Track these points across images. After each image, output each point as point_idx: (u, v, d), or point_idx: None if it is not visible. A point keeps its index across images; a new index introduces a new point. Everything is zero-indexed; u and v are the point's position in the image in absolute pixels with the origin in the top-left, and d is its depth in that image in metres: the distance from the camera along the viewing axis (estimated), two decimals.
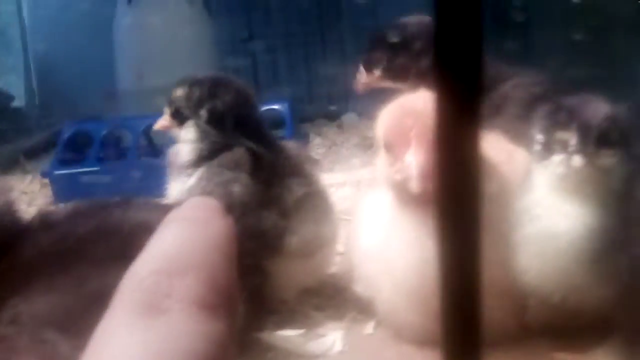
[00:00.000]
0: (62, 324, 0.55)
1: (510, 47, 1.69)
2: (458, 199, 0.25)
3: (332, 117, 2.18)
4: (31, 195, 1.71)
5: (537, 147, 0.74)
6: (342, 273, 0.95)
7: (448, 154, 0.25)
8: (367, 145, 1.59)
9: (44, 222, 0.67)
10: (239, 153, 0.87)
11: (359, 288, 0.88)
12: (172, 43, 2.04)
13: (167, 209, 0.85)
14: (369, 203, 0.93)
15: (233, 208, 0.82)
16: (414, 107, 0.74)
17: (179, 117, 0.93)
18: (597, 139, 0.70)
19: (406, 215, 0.83)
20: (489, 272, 0.67)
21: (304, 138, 1.77)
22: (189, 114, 0.92)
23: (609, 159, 0.71)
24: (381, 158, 0.80)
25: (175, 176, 0.92)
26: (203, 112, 0.91)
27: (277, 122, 1.63)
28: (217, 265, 0.24)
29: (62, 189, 1.62)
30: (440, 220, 0.26)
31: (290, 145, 0.96)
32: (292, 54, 2.37)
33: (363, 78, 1.26)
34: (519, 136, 0.81)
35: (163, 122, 0.95)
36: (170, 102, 0.94)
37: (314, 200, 0.90)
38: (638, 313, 0.74)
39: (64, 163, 1.69)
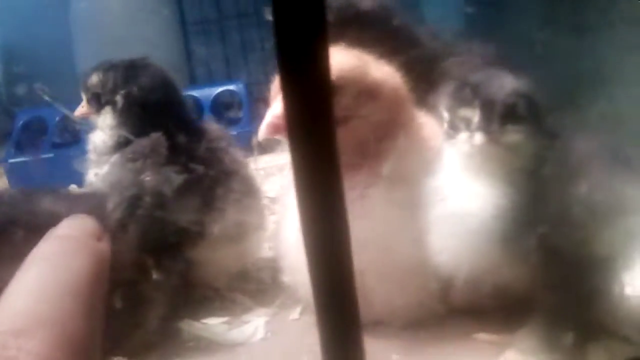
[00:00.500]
0: None
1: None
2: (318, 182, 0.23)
3: None
4: None
5: (444, 126, 0.72)
6: (272, 259, 0.94)
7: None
8: None
9: None
10: (155, 139, 0.85)
11: (286, 273, 0.87)
12: (132, 26, 2.00)
13: (73, 199, 0.84)
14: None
15: (145, 197, 0.81)
16: None
17: (96, 104, 0.92)
18: (502, 116, 0.68)
19: None
20: (404, 252, 0.66)
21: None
22: (104, 100, 0.90)
23: (514, 135, 0.69)
24: None
25: (93, 164, 0.91)
26: (118, 98, 0.89)
27: (234, 103, 1.61)
28: (73, 316, 0.24)
29: (18, 177, 1.61)
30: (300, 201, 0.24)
31: (214, 129, 0.93)
32: (259, 33, 2.34)
33: None
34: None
35: (81, 109, 0.93)
36: (87, 89, 0.92)
37: (238, 185, 0.88)
38: (552, 293, 0.72)
39: (19, 150, 1.67)
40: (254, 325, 0.85)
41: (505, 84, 0.68)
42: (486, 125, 0.67)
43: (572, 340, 0.71)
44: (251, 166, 0.98)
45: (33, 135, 1.71)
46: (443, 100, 0.72)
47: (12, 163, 1.63)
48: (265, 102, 0.73)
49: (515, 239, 0.69)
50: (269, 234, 0.94)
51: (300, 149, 0.23)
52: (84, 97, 0.93)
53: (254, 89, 1.75)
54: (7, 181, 1.64)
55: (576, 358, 0.71)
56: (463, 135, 0.70)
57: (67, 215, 0.66)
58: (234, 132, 1.22)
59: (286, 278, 0.85)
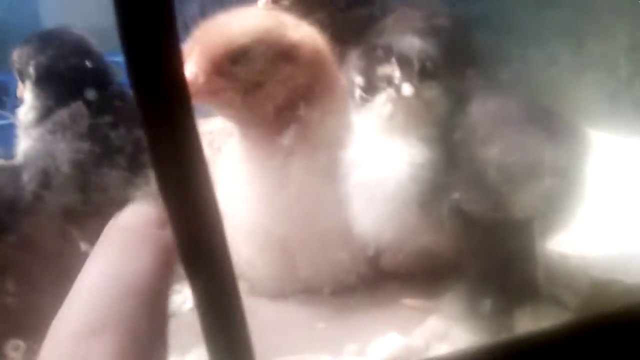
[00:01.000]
0: None
1: None
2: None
3: None
4: None
5: (358, 91, 0.69)
6: None
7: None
8: None
9: None
10: (74, 109, 0.82)
11: None
12: None
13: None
14: (227, 152, 0.89)
15: (65, 169, 0.79)
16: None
17: (20, 77, 0.89)
18: (419, 71, 0.65)
19: (247, 164, 0.80)
20: (327, 219, 0.64)
21: None
22: (24, 73, 0.88)
23: (431, 91, 0.66)
24: None
25: (21, 137, 0.89)
26: (31, 70, 0.86)
27: None
28: (140, 315, 0.23)
29: None
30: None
31: None
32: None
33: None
34: None
35: (20, 88, 0.92)
36: (12, 64, 0.90)
37: None
38: (473, 258, 0.71)
39: None
40: (184, 295, 0.83)
41: (413, 42, 0.65)
42: (408, 79, 0.64)
43: (496, 306, 0.69)
44: None
45: None
46: (355, 64, 0.69)
47: None
48: None
49: (431, 204, 0.67)
50: None
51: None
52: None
53: None
54: None
55: (501, 323, 0.70)
56: (382, 96, 0.67)
57: None
58: None
59: None
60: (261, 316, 0.69)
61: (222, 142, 1.20)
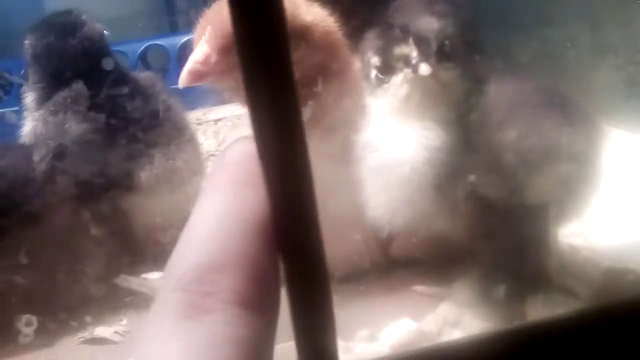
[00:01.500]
0: None
1: None
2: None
3: None
4: None
5: (374, 72, 0.68)
6: None
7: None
8: None
9: None
10: (76, 89, 0.83)
11: None
12: None
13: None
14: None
15: (69, 146, 0.79)
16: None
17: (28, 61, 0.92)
18: (436, 51, 0.64)
19: None
20: (341, 206, 0.64)
21: None
22: (29, 56, 0.90)
23: (448, 72, 0.65)
24: None
25: (27, 118, 0.89)
26: (30, 52, 0.89)
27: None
28: (260, 252, 0.22)
29: None
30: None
31: (144, 77, 0.90)
32: None
33: None
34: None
35: None
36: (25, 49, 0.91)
37: (170, 134, 0.86)
38: (486, 244, 0.70)
39: None
40: None
41: (430, 23, 0.64)
42: (426, 59, 0.64)
43: (508, 292, 0.69)
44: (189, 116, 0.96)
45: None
46: (371, 44, 0.69)
47: None
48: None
49: (446, 187, 0.66)
50: None
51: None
52: None
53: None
54: None
55: (512, 310, 0.69)
56: (399, 76, 0.67)
57: None
58: None
59: None
60: None
61: (228, 134, 1.20)
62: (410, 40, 0.65)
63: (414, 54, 0.64)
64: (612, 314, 0.63)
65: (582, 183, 0.67)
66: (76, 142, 0.79)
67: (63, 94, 0.83)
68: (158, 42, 1.56)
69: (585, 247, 0.80)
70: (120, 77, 0.87)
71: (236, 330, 0.21)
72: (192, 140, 0.90)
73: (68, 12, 0.91)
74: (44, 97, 0.86)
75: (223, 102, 1.12)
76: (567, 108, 0.67)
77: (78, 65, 0.86)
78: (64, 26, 0.88)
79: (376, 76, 0.68)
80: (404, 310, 0.72)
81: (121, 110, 0.84)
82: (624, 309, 0.64)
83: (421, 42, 0.64)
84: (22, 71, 1.63)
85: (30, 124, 0.87)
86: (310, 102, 0.72)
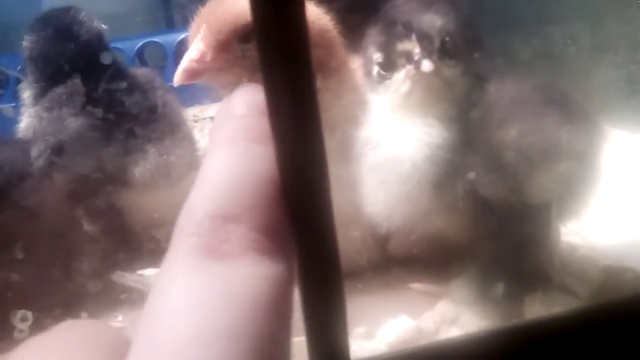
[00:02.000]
0: None
1: None
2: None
3: None
4: None
5: (376, 68, 0.68)
6: None
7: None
8: None
9: None
10: (71, 85, 0.82)
11: None
12: None
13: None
14: None
15: (66, 143, 0.78)
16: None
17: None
18: (439, 48, 0.64)
19: None
20: (340, 202, 0.63)
21: None
22: (26, 53, 0.90)
23: (450, 69, 0.65)
24: None
25: (24, 114, 0.89)
26: (27, 49, 0.89)
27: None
28: (273, 203, 0.22)
29: None
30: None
31: (140, 73, 0.90)
32: None
33: None
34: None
35: None
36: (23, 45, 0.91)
37: (164, 129, 0.85)
38: (485, 242, 0.70)
39: None
40: None
41: (434, 20, 0.64)
42: (428, 55, 0.64)
43: (506, 291, 0.69)
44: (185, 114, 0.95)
45: None
46: (374, 40, 0.68)
47: None
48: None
49: (446, 185, 0.66)
50: None
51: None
52: None
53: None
54: None
55: (510, 309, 0.69)
56: (401, 72, 0.66)
57: None
58: None
59: None
60: None
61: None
62: (413, 37, 0.64)
63: (416, 50, 0.64)
64: (611, 312, 0.63)
65: (582, 181, 0.67)
66: (74, 137, 0.79)
67: (59, 90, 0.82)
68: (155, 39, 1.55)
69: (584, 246, 0.80)
70: (118, 73, 0.87)
71: (260, 270, 0.21)
72: (188, 137, 0.90)
73: (67, 9, 0.90)
74: (42, 93, 0.86)
75: (220, 99, 1.12)
76: (568, 106, 0.67)
77: (77, 61, 0.85)
78: (64, 23, 0.88)
79: (378, 72, 0.68)
80: (402, 307, 0.72)
81: (119, 105, 0.83)
82: (622, 307, 0.64)
83: (424, 39, 0.64)
84: (19, 67, 1.63)
85: (28, 119, 0.86)
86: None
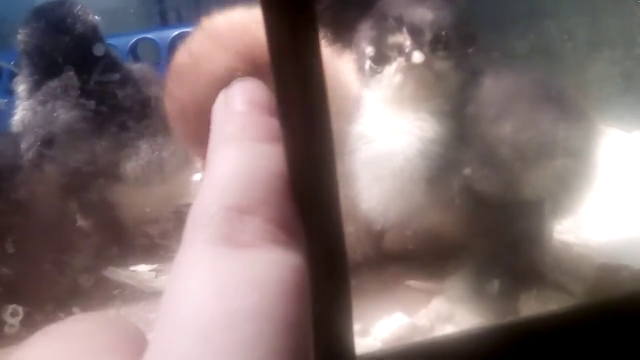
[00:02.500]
0: None
1: None
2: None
3: None
4: None
5: (368, 62, 0.68)
6: None
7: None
8: None
9: None
10: (65, 78, 0.82)
11: None
12: None
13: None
14: None
15: (59, 135, 0.78)
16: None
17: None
18: (430, 40, 0.64)
19: None
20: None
21: None
22: (22, 45, 0.89)
23: (442, 62, 0.65)
24: None
25: (18, 107, 0.88)
26: (21, 41, 0.88)
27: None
28: (285, 197, 0.22)
29: None
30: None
31: (135, 68, 0.89)
32: None
33: None
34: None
35: None
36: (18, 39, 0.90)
37: (157, 125, 0.85)
38: (479, 238, 0.70)
39: None
40: None
41: (425, 13, 0.64)
42: (419, 48, 0.63)
43: (501, 288, 0.68)
44: None
45: None
46: (366, 35, 0.68)
47: None
48: None
49: (440, 180, 0.66)
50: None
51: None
52: None
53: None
54: None
55: (505, 306, 0.69)
56: (393, 65, 0.66)
57: None
58: None
59: None
60: None
61: None
62: (404, 30, 0.64)
63: (407, 42, 0.63)
64: (605, 310, 0.63)
65: (577, 178, 0.67)
66: (64, 129, 0.78)
67: (53, 84, 0.82)
68: (148, 35, 1.55)
69: (579, 244, 0.80)
70: (112, 65, 0.86)
71: (281, 257, 0.21)
72: None
73: (62, 2, 0.90)
74: (36, 87, 0.85)
75: None
76: (563, 102, 0.66)
77: (72, 54, 0.85)
78: (59, 16, 0.88)
79: (370, 66, 0.67)
80: (397, 304, 0.72)
81: (111, 97, 0.83)
82: (617, 305, 0.64)
83: (415, 31, 0.63)
84: (13, 61, 1.62)
85: (22, 112, 0.86)
86: None
